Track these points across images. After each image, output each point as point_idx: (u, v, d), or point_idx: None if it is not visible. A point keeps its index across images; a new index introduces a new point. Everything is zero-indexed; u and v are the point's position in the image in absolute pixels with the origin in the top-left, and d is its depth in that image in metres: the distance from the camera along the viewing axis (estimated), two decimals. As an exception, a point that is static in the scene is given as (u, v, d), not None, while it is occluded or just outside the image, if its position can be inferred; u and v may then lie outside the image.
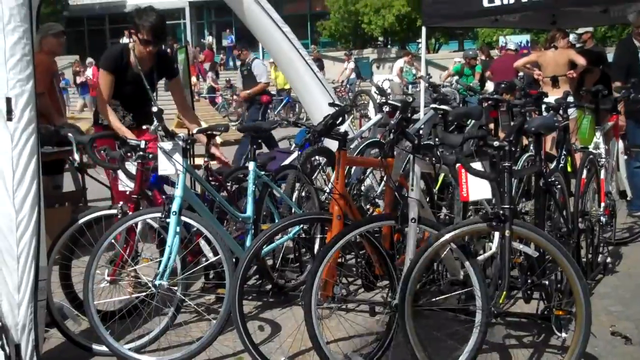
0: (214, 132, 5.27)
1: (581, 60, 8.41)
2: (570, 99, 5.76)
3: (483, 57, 15.27)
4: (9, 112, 3.64)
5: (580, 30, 10.69)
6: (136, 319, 4.19)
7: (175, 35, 38.94)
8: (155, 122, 4.19)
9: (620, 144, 5.98)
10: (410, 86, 18.28)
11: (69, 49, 39.60)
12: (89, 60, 28.85)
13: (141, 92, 5.16)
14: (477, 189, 3.49)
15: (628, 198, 6.11)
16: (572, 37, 12.63)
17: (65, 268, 4.35)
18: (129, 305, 4.29)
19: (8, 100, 3.64)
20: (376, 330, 3.96)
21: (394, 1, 31.81)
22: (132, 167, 4.31)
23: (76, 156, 4.64)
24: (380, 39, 36.17)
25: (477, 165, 3.35)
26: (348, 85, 22.99)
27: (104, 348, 4.00)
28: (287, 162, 6.05)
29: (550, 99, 5.94)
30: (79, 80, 27.63)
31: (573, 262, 3.32)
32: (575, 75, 8.47)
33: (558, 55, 8.53)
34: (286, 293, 4.90)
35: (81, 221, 4.23)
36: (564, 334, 3.64)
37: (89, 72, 27.88)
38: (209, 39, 32.94)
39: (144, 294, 4.00)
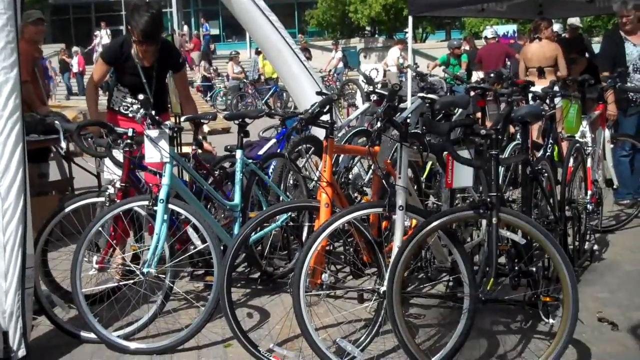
0: (202, 121, 5.26)
1: (563, 71, 8.41)
2: (557, 88, 5.78)
3: (467, 48, 15.28)
4: (-6, 100, 3.62)
5: (578, 22, 10.72)
6: (125, 306, 4.19)
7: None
8: (142, 110, 4.17)
9: (607, 132, 6.02)
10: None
11: (54, 37, 39.44)
12: (75, 48, 28.68)
13: (142, 83, 5.10)
14: (461, 176, 3.52)
15: (614, 186, 6.15)
16: (557, 26, 12.69)
17: (43, 255, 4.33)
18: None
19: (-8, 88, 3.62)
20: (364, 317, 3.98)
21: (382, -10, 31.80)
22: (119, 154, 4.29)
23: (63, 144, 4.63)
24: (368, 28, 36.12)
25: (464, 153, 3.36)
26: (336, 75, 22.96)
27: (92, 335, 3.99)
28: (264, 149, 6.07)
29: (537, 88, 5.96)
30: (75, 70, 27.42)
31: (560, 249, 3.34)
32: (560, 73, 8.48)
33: (545, 48, 8.52)
34: (275, 280, 4.90)
35: (68, 209, 4.22)
36: (551, 320, 3.67)
37: (75, 61, 27.71)
38: (184, 29, 32.76)
39: (132, 281, 3.99)
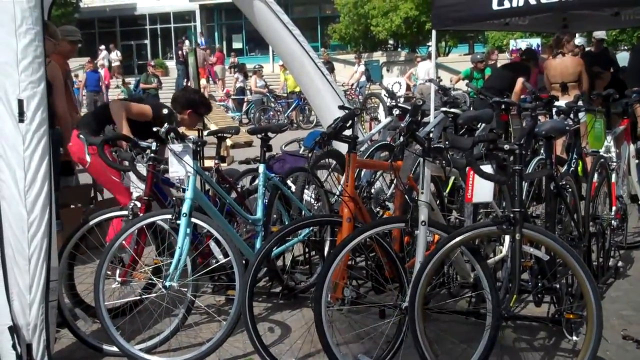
0: (225, 135, 5.29)
1: (586, 85, 8.35)
2: (581, 102, 5.74)
3: (491, 62, 15.21)
4: (21, 114, 3.66)
5: (603, 35, 10.66)
6: (147, 319, 4.21)
7: (186, 38, 39.06)
8: (166, 125, 4.21)
9: (632, 147, 5.96)
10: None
11: (80, 51, 39.87)
12: (101, 62, 28.98)
13: None
14: (482, 191, 3.50)
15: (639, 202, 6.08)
16: (579, 40, 12.63)
17: (69, 268, 4.36)
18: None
19: (20, 102, 3.66)
20: (386, 332, 3.96)
21: (402, 4, 31.77)
22: (143, 168, 4.32)
23: (87, 158, 4.66)
24: (391, 42, 36.15)
25: (487, 168, 3.35)
26: (358, 88, 22.99)
27: (114, 348, 4.01)
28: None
29: (561, 103, 5.92)
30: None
31: (584, 265, 3.31)
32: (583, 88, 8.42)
33: (568, 63, 8.45)
34: (296, 295, 4.90)
35: (92, 222, 4.26)
36: (575, 338, 3.63)
37: (100, 74, 27.93)
38: (187, 45, 32.90)
39: (154, 294, 4.01)
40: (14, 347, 3.56)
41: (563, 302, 3.81)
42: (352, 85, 23.14)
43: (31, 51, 3.71)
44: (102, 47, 32.76)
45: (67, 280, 4.34)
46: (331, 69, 21.94)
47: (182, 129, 4.39)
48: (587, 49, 12.06)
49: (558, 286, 3.90)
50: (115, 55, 31.88)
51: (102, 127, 5.15)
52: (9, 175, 3.64)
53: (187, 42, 32.31)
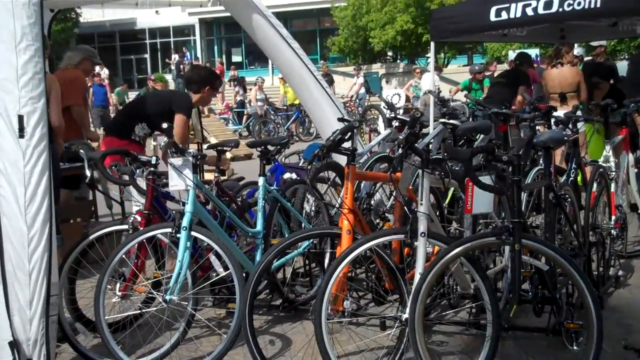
0: (224, 148, 5.30)
1: (584, 95, 8.39)
2: (580, 112, 5.76)
3: (488, 73, 15.25)
4: (21, 129, 3.68)
5: (595, 44, 10.67)
6: (147, 333, 4.20)
7: (184, 51, 39.17)
8: (165, 139, 4.23)
9: (631, 157, 5.97)
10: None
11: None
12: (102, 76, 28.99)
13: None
14: (481, 202, 3.52)
15: (639, 211, 6.08)
16: (578, 50, 12.66)
17: (70, 283, 4.36)
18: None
19: (20, 117, 3.68)
20: (387, 344, 3.96)
21: (398, 17, 31.90)
22: (142, 182, 4.33)
23: (87, 172, 4.68)
24: (389, 54, 36.25)
25: (485, 179, 3.36)
26: (357, 100, 23.02)
27: (115, 363, 4.01)
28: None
29: (560, 113, 5.94)
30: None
31: (583, 275, 3.31)
32: (582, 98, 8.44)
33: (567, 73, 8.48)
34: (296, 307, 4.89)
35: (92, 236, 4.26)
36: (575, 348, 3.62)
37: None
38: (174, 57, 32.86)
39: (154, 308, 4.01)
40: (14, 362, 3.57)
41: (563, 312, 3.81)
42: (352, 97, 23.17)
43: (31, 67, 3.74)
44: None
45: (69, 294, 4.34)
46: (330, 82, 21.99)
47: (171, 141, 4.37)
48: (586, 58, 12.10)
49: (558, 296, 3.90)
50: (104, 74, 31.95)
51: (132, 126, 5.54)
52: (9, 191, 3.66)
53: (174, 56, 32.36)
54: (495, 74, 13.85)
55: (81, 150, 4.77)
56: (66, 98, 5.77)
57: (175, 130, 5.30)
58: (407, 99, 18.87)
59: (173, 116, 5.52)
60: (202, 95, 5.76)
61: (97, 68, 31.60)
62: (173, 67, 31.57)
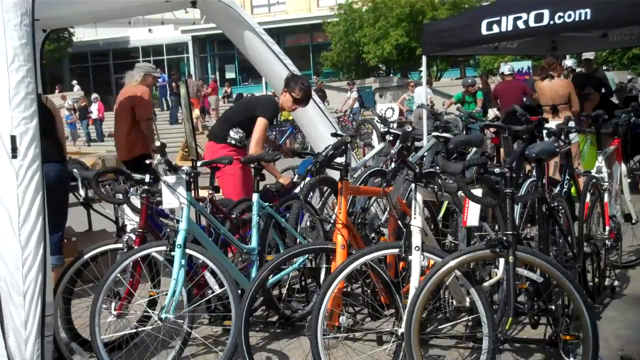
0: (218, 165, 5.31)
1: (576, 107, 8.45)
2: (572, 124, 5.78)
3: (480, 86, 15.30)
4: (14, 149, 3.69)
5: (591, 55, 10.70)
6: (143, 352, 4.19)
7: (179, 69, 39.25)
8: (159, 157, 4.23)
9: (624, 167, 5.99)
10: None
11: (72, 86, 40.03)
12: (94, 95, 29.07)
13: None
14: (474, 214, 3.53)
15: (633, 221, 6.09)
16: (571, 62, 12.71)
17: (66, 303, 4.36)
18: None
19: (13, 138, 3.69)
20: (383, 359, 3.95)
21: (392, 31, 32.03)
22: (137, 201, 4.33)
23: (82, 191, 4.68)
24: (382, 68, 36.37)
25: (478, 192, 3.37)
26: (352, 115, 23.09)
27: (111, 382, 4.00)
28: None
29: (551, 124, 5.96)
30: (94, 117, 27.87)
31: (578, 286, 3.32)
32: (573, 109, 8.48)
33: (558, 85, 8.54)
34: (293, 323, 4.88)
35: (87, 255, 4.26)
36: (572, 359, 3.62)
37: (94, 107, 28.06)
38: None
39: (150, 327, 4.00)
40: (10, 383, 3.55)
41: (559, 324, 3.81)
42: (345, 111, 23.24)
43: (23, 87, 3.75)
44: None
45: (64, 314, 4.33)
46: (323, 97, 22.03)
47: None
48: (577, 70, 12.16)
49: (554, 308, 3.90)
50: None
51: (227, 130, 5.93)
52: (2, 211, 3.66)
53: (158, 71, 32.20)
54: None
55: (74, 170, 4.77)
56: (136, 114, 6.80)
57: (254, 133, 5.76)
58: (401, 113, 18.92)
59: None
60: (283, 97, 5.95)
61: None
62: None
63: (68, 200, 4.96)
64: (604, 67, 24.22)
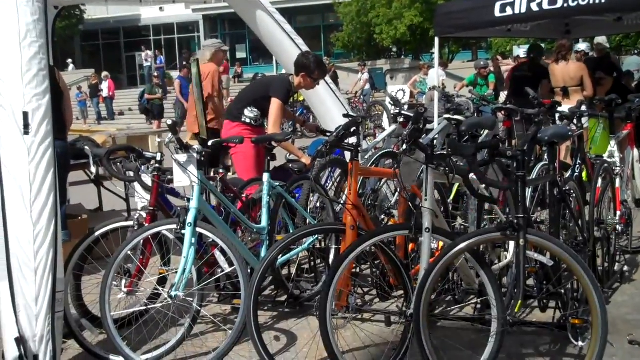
0: (229, 144, 5.31)
1: (589, 90, 8.36)
2: (584, 108, 5.75)
3: (492, 69, 15.19)
4: (26, 126, 3.69)
5: (603, 41, 10.59)
6: (153, 329, 4.22)
7: (189, 48, 39.18)
8: (170, 135, 4.23)
9: (636, 152, 5.96)
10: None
11: (84, 63, 40.09)
12: (105, 73, 29.08)
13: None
14: None
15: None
16: (585, 45, 12.60)
17: (76, 279, 4.38)
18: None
19: (25, 114, 3.69)
20: (392, 340, 3.96)
21: (406, 12, 31.83)
22: (148, 179, 4.34)
23: (93, 169, 4.70)
24: (394, 49, 36.19)
25: (490, 175, 3.36)
26: (362, 96, 22.99)
27: (121, 359, 4.03)
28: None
29: (564, 108, 5.93)
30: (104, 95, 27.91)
31: (588, 270, 3.31)
32: (587, 93, 8.40)
33: (570, 67, 8.48)
34: (301, 303, 4.89)
35: (98, 233, 4.28)
36: (580, 343, 3.63)
37: (104, 86, 28.09)
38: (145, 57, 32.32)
39: (160, 304, 4.02)
40: (21, 358, 3.58)
41: (568, 308, 3.81)
42: (356, 93, 23.14)
43: (35, 64, 3.74)
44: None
45: (75, 291, 4.35)
46: (334, 78, 21.94)
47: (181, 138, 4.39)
48: (589, 54, 12.06)
49: (563, 291, 3.90)
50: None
51: (242, 109, 5.98)
52: (14, 187, 3.66)
53: (146, 52, 31.78)
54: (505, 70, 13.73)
55: (86, 147, 4.79)
56: (205, 91, 6.95)
57: (270, 113, 5.78)
58: (412, 95, 18.84)
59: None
60: (299, 80, 5.92)
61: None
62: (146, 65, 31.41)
63: (66, 179, 4.97)
64: (636, 52, 24.00)
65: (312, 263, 5.33)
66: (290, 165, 5.60)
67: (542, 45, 19.40)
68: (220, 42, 8.12)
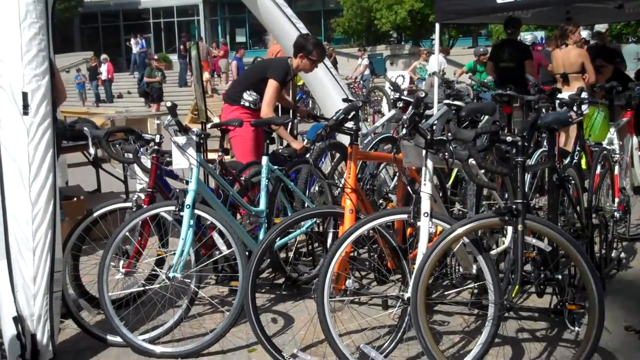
0: (228, 127, 5.30)
1: (592, 77, 8.29)
2: (584, 94, 5.74)
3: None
4: (25, 106, 3.69)
5: (602, 28, 10.54)
6: (150, 310, 4.23)
7: (189, 32, 39.06)
8: (169, 117, 4.23)
9: (635, 139, 5.96)
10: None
11: (83, 45, 39.94)
12: (104, 56, 28.97)
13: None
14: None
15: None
16: (586, 33, 12.56)
17: (74, 260, 4.39)
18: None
19: (24, 94, 3.69)
20: (388, 323, 3.98)
21: (406, -3, 31.78)
22: (147, 160, 4.34)
23: (92, 150, 4.69)
24: (394, 35, 36.09)
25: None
26: (362, 82, 22.95)
27: (118, 339, 4.04)
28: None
29: (564, 95, 5.92)
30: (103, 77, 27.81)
31: (586, 256, 3.32)
32: (589, 79, 8.35)
33: (571, 54, 8.43)
34: (299, 286, 4.91)
35: (96, 213, 4.28)
36: (577, 328, 3.63)
37: (103, 68, 28.01)
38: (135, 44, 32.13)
39: (157, 285, 4.03)
40: (18, 337, 3.59)
41: (565, 293, 3.82)
42: (356, 78, 23.09)
43: (35, 44, 3.74)
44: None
45: (73, 271, 4.36)
46: (334, 63, 21.88)
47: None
48: (590, 41, 12.03)
49: (560, 277, 3.90)
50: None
51: (241, 93, 5.96)
52: (13, 168, 3.67)
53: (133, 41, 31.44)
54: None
55: (85, 129, 4.77)
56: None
57: (265, 95, 5.74)
58: (412, 81, 18.82)
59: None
60: (298, 61, 5.92)
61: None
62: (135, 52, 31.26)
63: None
64: (633, 40, 23.92)
65: (310, 246, 5.34)
66: (280, 151, 5.59)
67: (542, 33, 19.39)
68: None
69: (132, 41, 31.20)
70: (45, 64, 3.78)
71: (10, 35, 3.71)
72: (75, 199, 6.26)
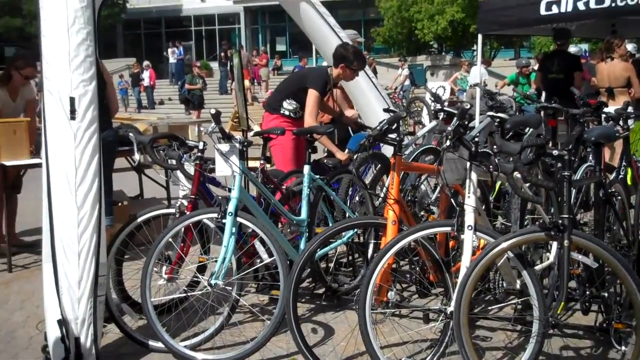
0: (270, 136, 5.32)
1: (638, 91, 8.14)
2: (631, 109, 5.64)
3: (534, 67, 14.99)
4: (72, 111, 3.74)
5: None
6: (192, 317, 4.25)
7: (229, 40, 39.38)
8: (213, 124, 4.25)
9: (683, 155, 5.84)
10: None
11: (125, 52, 40.49)
12: (146, 62, 29.36)
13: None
14: None
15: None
16: (631, 46, 12.37)
17: (118, 264, 4.43)
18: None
19: (72, 99, 3.74)
20: (430, 337, 3.94)
21: (448, 7, 31.60)
22: (190, 167, 4.37)
23: (137, 156, 4.74)
24: (435, 45, 35.94)
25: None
26: (402, 92, 22.86)
27: (160, 344, 4.07)
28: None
29: (610, 109, 5.82)
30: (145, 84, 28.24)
31: (633, 274, 3.25)
32: (634, 94, 8.21)
33: (616, 67, 8.30)
34: (339, 297, 4.90)
35: (140, 219, 4.31)
36: (623, 348, 3.57)
37: (146, 75, 28.37)
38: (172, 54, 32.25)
39: (199, 292, 4.05)
40: (62, 340, 3.64)
41: (611, 311, 3.75)
42: (396, 88, 23.02)
43: (83, 50, 3.79)
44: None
45: (116, 276, 4.40)
46: (374, 73, 21.84)
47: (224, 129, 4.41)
48: (636, 55, 11.84)
49: (606, 295, 3.83)
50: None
51: (281, 101, 6.00)
52: (60, 172, 3.72)
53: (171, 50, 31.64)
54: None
55: (131, 134, 4.83)
56: None
57: (306, 105, 5.73)
58: (452, 92, 18.71)
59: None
60: (339, 71, 5.93)
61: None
62: (171, 61, 31.38)
63: (112, 166, 5.02)
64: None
65: (350, 257, 5.32)
66: (325, 161, 5.58)
67: (585, 46, 19.13)
68: (355, 33, 8.23)
69: (169, 50, 31.50)
70: (92, 69, 3.83)
71: (59, 40, 3.78)
72: (119, 204, 6.33)
